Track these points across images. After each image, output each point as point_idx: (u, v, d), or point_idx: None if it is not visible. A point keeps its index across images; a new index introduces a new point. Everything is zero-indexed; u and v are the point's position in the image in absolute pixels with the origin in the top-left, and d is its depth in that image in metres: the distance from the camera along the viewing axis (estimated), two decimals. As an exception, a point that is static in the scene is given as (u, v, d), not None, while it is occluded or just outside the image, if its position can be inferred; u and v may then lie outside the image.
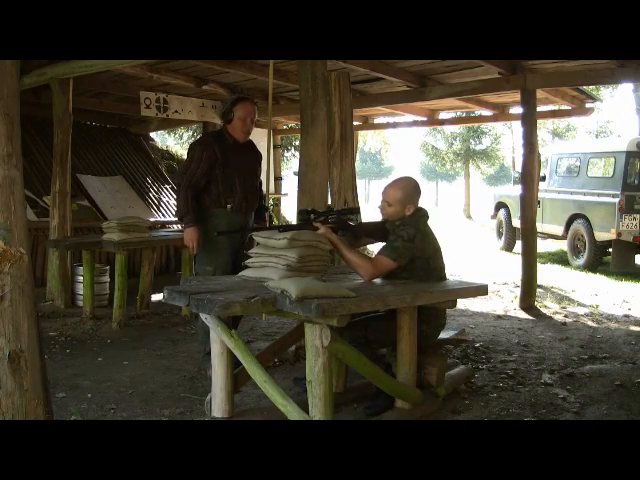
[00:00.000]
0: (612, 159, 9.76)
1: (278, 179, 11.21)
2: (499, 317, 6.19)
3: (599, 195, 9.69)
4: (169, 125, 10.58)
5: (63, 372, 4.10)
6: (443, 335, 4.15)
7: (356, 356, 3.00)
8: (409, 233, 3.32)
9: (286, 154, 14.11)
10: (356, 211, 4.25)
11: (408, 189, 3.45)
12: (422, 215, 3.46)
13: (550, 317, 6.20)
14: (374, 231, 3.60)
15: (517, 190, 8.88)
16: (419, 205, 3.48)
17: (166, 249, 8.03)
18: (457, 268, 8.76)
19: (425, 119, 9.50)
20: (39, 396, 2.35)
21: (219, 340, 3.11)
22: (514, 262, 9.12)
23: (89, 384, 3.89)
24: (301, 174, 4.44)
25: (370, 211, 10.22)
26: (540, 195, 8.59)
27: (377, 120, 10.44)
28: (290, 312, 2.76)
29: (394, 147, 26.85)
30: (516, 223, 10.82)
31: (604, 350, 4.91)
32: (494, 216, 12.99)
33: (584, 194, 10.08)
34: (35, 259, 6.65)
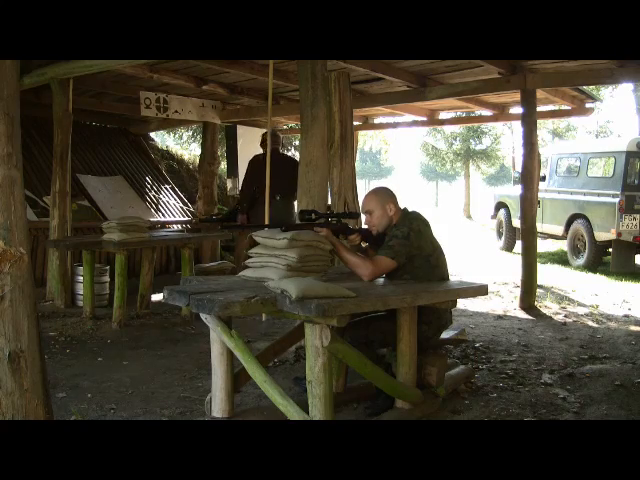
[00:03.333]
0: (612, 159, 9.76)
1: (278, 179, 11.19)
2: (499, 317, 6.19)
3: (599, 195, 9.69)
4: (169, 125, 10.58)
5: (63, 372, 4.10)
6: (443, 335, 4.15)
7: (356, 356, 3.00)
8: (403, 232, 3.35)
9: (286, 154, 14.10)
10: (356, 215, 4.30)
11: (378, 191, 3.61)
12: (414, 217, 3.49)
13: (550, 317, 6.19)
14: (373, 237, 3.61)
15: (517, 190, 8.88)
16: (399, 205, 3.55)
17: (166, 249, 8.03)
18: (457, 268, 8.75)
19: (425, 119, 9.50)
20: (39, 396, 2.35)
21: (219, 340, 3.11)
22: (514, 262, 9.12)
23: (89, 384, 3.89)
24: (301, 174, 4.45)
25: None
26: (540, 195, 8.58)
27: (377, 120, 10.43)
28: (290, 312, 2.76)
29: (394, 147, 26.82)
30: (516, 223, 10.82)
31: (604, 350, 4.91)
32: (494, 216, 12.99)
33: (584, 194, 10.08)
34: (35, 259, 6.65)
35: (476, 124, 21.74)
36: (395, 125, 10.30)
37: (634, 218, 9.08)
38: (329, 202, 4.91)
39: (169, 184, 9.27)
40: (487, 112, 9.21)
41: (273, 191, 6.17)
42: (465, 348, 4.88)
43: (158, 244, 6.68)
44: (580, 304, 6.85)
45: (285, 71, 6.68)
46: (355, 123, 8.65)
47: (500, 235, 12.57)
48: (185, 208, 9.07)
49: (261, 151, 6.89)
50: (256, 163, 6.82)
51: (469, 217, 26.06)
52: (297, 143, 13.05)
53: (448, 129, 25.58)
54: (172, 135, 16.27)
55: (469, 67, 6.52)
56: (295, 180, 5.48)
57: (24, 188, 2.36)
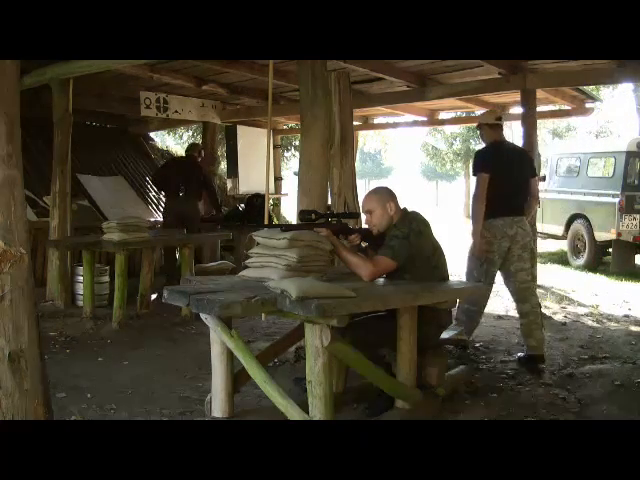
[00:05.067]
0: (612, 159, 9.76)
1: (278, 179, 11.22)
2: (499, 317, 6.19)
3: (599, 195, 9.69)
4: (169, 125, 10.60)
5: (63, 372, 4.09)
6: (443, 335, 4.14)
7: (356, 356, 2.99)
8: (403, 232, 3.36)
9: (286, 154, 14.11)
10: (356, 215, 4.30)
11: (378, 191, 3.62)
12: (414, 217, 3.49)
13: (550, 317, 6.19)
14: (373, 237, 3.61)
15: (517, 190, 8.86)
16: (400, 205, 3.55)
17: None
18: (457, 268, 8.74)
19: (425, 119, 9.51)
20: (39, 396, 2.35)
21: (219, 340, 3.11)
22: (514, 262, 9.10)
23: (89, 384, 3.89)
24: (301, 174, 4.45)
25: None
26: (540, 195, 8.58)
27: (377, 120, 10.44)
28: (290, 312, 2.76)
29: (394, 147, 26.82)
30: (516, 223, 10.79)
31: (604, 350, 4.90)
32: (494, 216, 12.95)
33: (584, 194, 10.07)
34: (35, 259, 6.65)
35: (476, 124, 21.72)
36: (395, 125, 10.31)
37: (634, 218, 9.07)
38: (329, 202, 4.91)
39: (169, 184, 9.25)
40: (487, 112, 9.19)
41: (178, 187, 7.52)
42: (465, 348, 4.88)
43: (158, 244, 6.69)
44: (580, 304, 6.85)
45: (285, 71, 6.68)
46: (355, 123, 8.64)
47: (500, 235, 12.54)
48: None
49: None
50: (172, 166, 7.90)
51: (469, 217, 26.03)
52: (297, 143, 13.04)
53: (448, 129, 25.54)
54: (172, 135, 16.26)
55: (469, 67, 6.53)
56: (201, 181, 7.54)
57: (24, 188, 2.36)
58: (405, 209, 3.56)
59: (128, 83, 7.51)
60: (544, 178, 10.85)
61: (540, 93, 6.95)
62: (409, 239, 3.35)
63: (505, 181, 4.40)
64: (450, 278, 3.64)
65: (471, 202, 4.77)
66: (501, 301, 6.98)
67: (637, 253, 9.49)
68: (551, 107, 9.43)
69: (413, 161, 48.71)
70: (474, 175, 4.72)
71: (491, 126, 4.85)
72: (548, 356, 4.71)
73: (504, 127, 4.79)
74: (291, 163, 14.95)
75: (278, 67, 6.27)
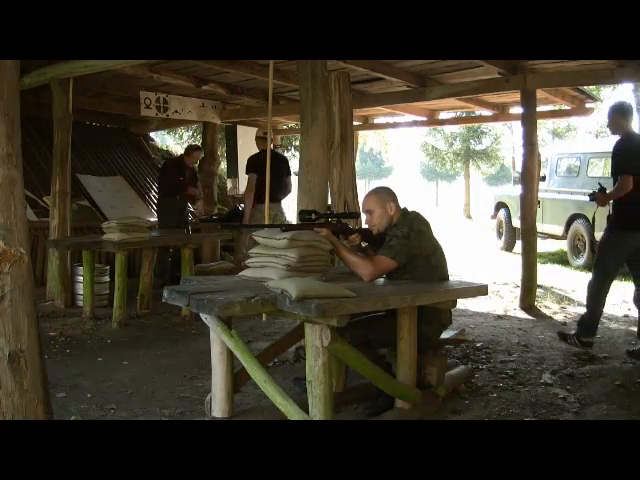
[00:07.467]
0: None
1: (278, 179, 11.19)
2: (499, 317, 6.18)
3: (599, 195, 9.66)
4: (169, 125, 10.59)
5: (63, 372, 4.10)
6: (443, 335, 4.15)
7: (356, 356, 3.00)
8: (403, 231, 3.36)
9: (286, 154, 14.11)
10: (356, 215, 4.30)
11: (378, 191, 3.63)
12: (414, 217, 3.49)
13: (550, 317, 6.19)
14: (373, 237, 3.61)
15: (517, 190, 8.87)
16: (400, 205, 3.56)
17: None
18: (457, 268, 8.75)
19: (425, 119, 9.50)
20: (39, 396, 2.35)
21: (219, 340, 3.11)
22: (514, 262, 9.11)
23: (89, 384, 3.89)
24: (301, 174, 4.45)
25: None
26: (540, 195, 8.57)
27: (377, 120, 10.43)
28: (290, 312, 2.76)
29: (394, 147, 26.80)
30: (516, 223, 10.80)
31: (604, 350, 4.90)
32: (494, 216, 12.97)
33: (584, 194, 10.05)
34: (35, 259, 6.65)
35: (476, 124, 21.74)
36: (395, 125, 10.30)
37: (634, 218, 9.05)
38: (329, 202, 4.91)
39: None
40: (487, 112, 9.21)
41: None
42: (465, 348, 4.87)
43: (158, 244, 6.69)
44: (580, 304, 6.83)
45: (285, 71, 6.68)
46: (355, 123, 8.64)
47: (500, 235, 12.56)
48: (185, 208, 9.07)
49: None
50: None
51: (469, 217, 26.05)
52: (297, 143, 13.04)
53: (448, 129, 25.55)
54: (172, 135, 16.27)
55: (469, 67, 6.52)
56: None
57: (24, 188, 2.36)
58: (405, 209, 3.56)
59: (128, 83, 7.51)
60: (544, 178, 10.84)
61: (540, 93, 6.95)
62: (409, 239, 3.35)
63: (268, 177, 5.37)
64: (450, 278, 3.64)
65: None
66: (501, 301, 6.99)
67: (637, 253, 9.47)
68: (551, 107, 9.42)
69: (413, 161, 48.73)
70: (246, 174, 7.03)
71: (260, 137, 7.07)
72: (548, 356, 4.71)
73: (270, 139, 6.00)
74: (291, 163, 14.94)
75: (278, 67, 6.27)
